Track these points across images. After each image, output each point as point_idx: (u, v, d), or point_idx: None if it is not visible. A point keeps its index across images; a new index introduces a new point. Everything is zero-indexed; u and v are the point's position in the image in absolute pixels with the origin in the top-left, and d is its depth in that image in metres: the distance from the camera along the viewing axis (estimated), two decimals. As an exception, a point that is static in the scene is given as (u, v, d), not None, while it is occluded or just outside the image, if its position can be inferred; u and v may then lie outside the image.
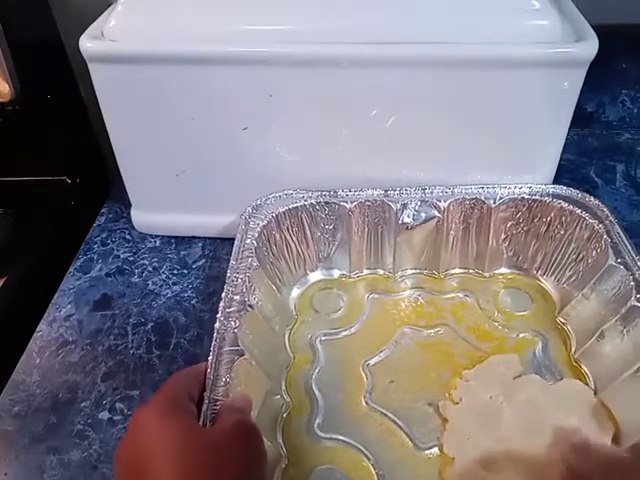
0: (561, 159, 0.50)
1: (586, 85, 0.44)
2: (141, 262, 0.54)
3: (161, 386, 0.32)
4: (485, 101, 0.45)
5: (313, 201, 0.47)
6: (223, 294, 0.40)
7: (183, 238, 0.56)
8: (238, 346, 0.37)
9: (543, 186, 0.47)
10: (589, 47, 0.42)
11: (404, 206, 0.47)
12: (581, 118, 0.64)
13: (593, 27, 0.44)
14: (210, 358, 0.36)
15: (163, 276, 0.52)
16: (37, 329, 0.48)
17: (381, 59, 0.43)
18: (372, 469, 0.37)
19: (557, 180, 0.50)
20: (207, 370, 0.35)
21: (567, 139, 0.48)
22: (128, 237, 0.56)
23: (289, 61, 0.43)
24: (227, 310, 0.39)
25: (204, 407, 0.33)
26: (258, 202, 0.47)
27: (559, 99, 0.45)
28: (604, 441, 0.37)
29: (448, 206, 0.47)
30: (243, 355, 0.36)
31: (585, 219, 0.45)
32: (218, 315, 0.38)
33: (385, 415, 0.40)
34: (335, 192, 0.47)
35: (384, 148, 0.48)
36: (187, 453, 0.28)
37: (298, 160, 0.49)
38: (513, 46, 0.43)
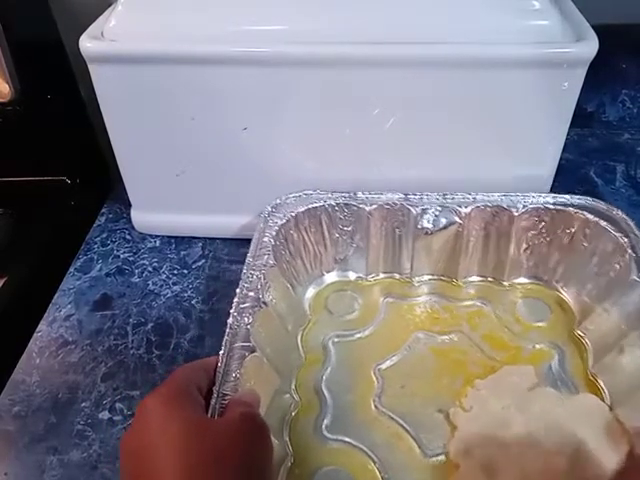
0: (561, 159, 0.50)
1: (586, 85, 0.44)
2: (141, 262, 0.54)
3: (169, 377, 0.32)
4: (485, 101, 0.45)
5: (332, 202, 0.46)
6: (238, 290, 0.40)
7: (183, 238, 0.56)
8: (250, 342, 0.37)
9: (567, 196, 0.46)
10: (589, 47, 0.42)
11: (424, 211, 0.46)
12: (581, 118, 0.64)
13: (593, 27, 0.44)
14: (221, 352, 0.36)
15: (163, 276, 0.52)
16: (37, 329, 0.48)
17: (381, 59, 0.43)
18: (377, 472, 0.37)
19: (557, 180, 0.50)
20: (217, 364, 0.35)
21: (567, 139, 0.48)
22: (128, 237, 0.56)
23: (289, 61, 0.43)
24: (241, 306, 0.39)
25: (213, 401, 0.33)
26: (278, 201, 0.47)
27: (559, 99, 0.45)
28: (617, 457, 0.36)
29: (469, 213, 0.46)
30: (254, 352, 0.36)
31: (609, 232, 0.43)
32: (232, 310, 0.38)
33: (393, 419, 0.40)
34: (355, 194, 0.47)
35: (383, 148, 0.48)
36: (192, 446, 0.28)
37: (298, 160, 0.49)
38: (513, 46, 0.42)
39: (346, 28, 0.43)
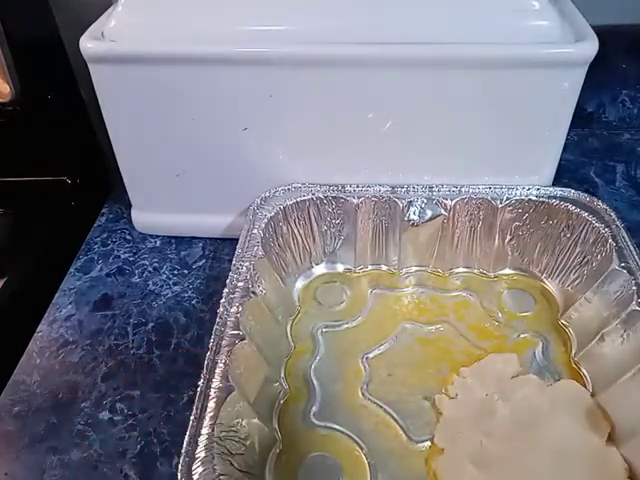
0: (561, 159, 0.50)
1: (586, 85, 0.44)
2: (141, 262, 0.54)
3: None
4: (485, 101, 0.45)
5: (321, 195, 0.48)
6: (227, 280, 0.41)
7: (183, 238, 0.56)
8: (240, 331, 0.37)
9: (551, 188, 0.47)
10: (589, 47, 0.42)
11: (410, 203, 0.47)
12: (581, 118, 0.64)
13: (593, 27, 0.44)
14: (211, 340, 0.37)
15: (163, 276, 0.52)
16: (37, 329, 0.48)
17: (381, 59, 0.43)
18: (364, 458, 0.38)
19: (557, 180, 0.50)
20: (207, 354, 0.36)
21: (567, 139, 0.48)
22: (128, 237, 0.56)
23: (289, 61, 0.43)
24: (230, 296, 0.40)
25: (202, 386, 0.34)
26: (267, 194, 0.48)
27: (559, 99, 0.45)
28: (598, 439, 0.37)
29: (454, 205, 0.47)
30: (244, 340, 0.37)
31: (592, 223, 0.45)
32: (222, 300, 0.39)
33: (381, 407, 0.41)
34: (343, 187, 0.48)
35: (383, 149, 0.48)
36: None
37: (298, 161, 0.49)
38: (513, 46, 0.42)
39: (346, 28, 0.43)
